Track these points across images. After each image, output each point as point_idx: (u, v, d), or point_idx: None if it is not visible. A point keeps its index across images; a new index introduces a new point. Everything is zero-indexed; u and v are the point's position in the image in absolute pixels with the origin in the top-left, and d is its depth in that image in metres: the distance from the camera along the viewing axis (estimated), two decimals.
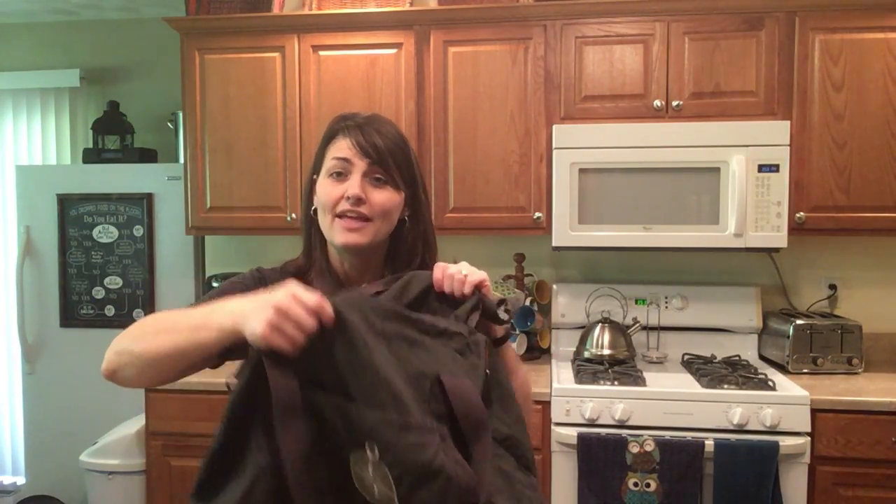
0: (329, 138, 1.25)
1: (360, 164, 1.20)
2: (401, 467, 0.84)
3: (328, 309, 0.88)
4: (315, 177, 1.26)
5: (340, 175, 1.21)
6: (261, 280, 1.25)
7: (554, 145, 2.56)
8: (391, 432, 0.85)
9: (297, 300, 0.88)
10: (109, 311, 3.13)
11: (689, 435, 2.22)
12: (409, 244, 1.27)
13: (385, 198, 1.21)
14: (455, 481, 0.85)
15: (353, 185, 1.19)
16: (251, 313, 0.89)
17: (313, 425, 0.87)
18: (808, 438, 2.22)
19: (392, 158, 1.21)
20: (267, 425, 0.87)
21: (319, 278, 1.25)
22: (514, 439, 1.05)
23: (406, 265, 1.26)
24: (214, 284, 2.89)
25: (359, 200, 1.18)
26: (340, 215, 1.20)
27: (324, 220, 1.23)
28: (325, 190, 1.22)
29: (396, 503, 0.84)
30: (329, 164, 1.22)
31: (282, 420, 0.85)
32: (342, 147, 1.21)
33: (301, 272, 1.27)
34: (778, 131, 2.47)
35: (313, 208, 1.26)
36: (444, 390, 0.92)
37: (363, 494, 0.85)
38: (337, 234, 1.21)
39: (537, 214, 2.65)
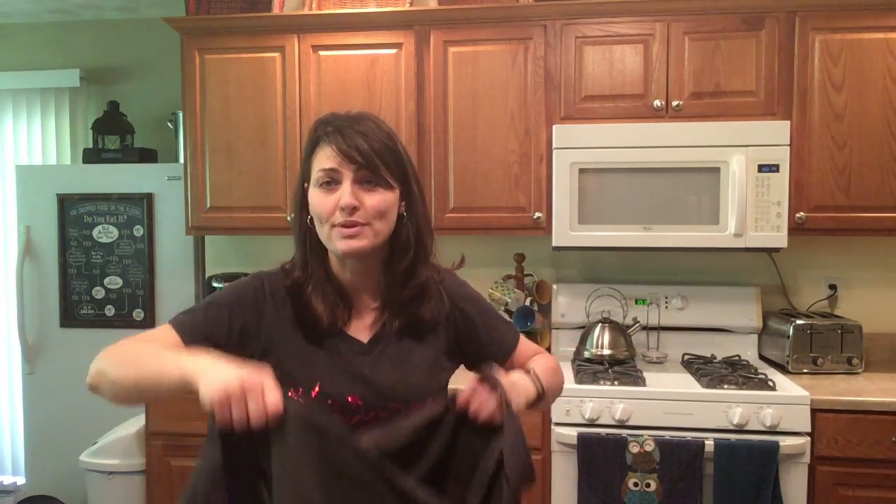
0: (312, 147, 1.22)
1: (347, 172, 1.17)
2: None
3: (279, 413, 0.92)
4: (306, 185, 1.23)
5: (330, 184, 1.18)
6: (260, 289, 1.23)
7: (554, 145, 2.56)
8: None
9: (261, 391, 0.92)
10: (109, 311, 3.13)
11: (689, 435, 2.22)
12: (401, 241, 1.24)
13: (378, 200, 1.18)
14: None
15: (345, 194, 1.16)
16: (216, 373, 0.94)
17: None
18: (808, 438, 2.22)
19: (379, 159, 1.18)
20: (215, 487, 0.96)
21: (317, 290, 1.22)
22: None
23: (399, 261, 1.24)
24: (215, 284, 2.90)
25: (353, 209, 1.16)
26: (337, 225, 1.18)
27: (321, 230, 1.20)
28: (318, 200, 1.19)
29: None
30: (316, 175, 1.19)
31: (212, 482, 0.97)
32: (327, 156, 1.18)
33: (297, 284, 1.24)
34: (778, 131, 2.47)
35: (309, 217, 1.23)
36: None
37: None
38: (336, 242, 1.18)
39: (537, 214, 2.65)
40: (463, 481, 1.07)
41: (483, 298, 1.40)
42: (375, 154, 1.17)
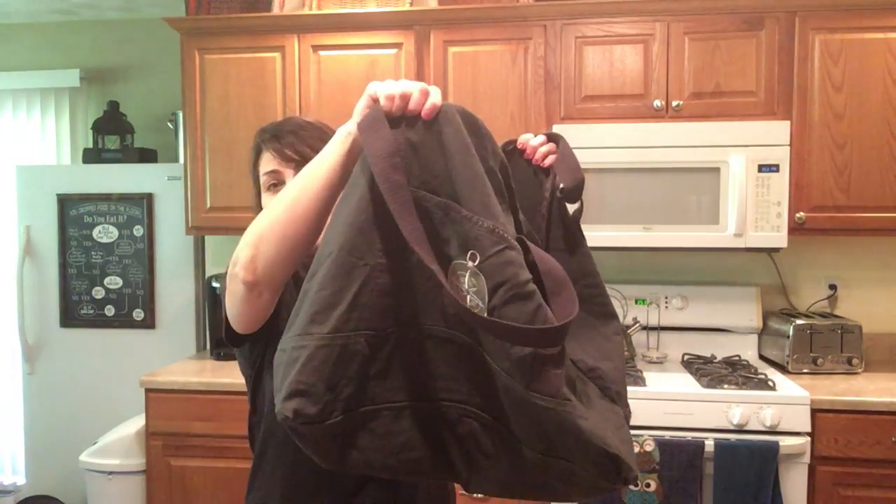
0: (256, 155, 1.31)
1: (288, 171, 1.24)
2: (498, 279, 0.83)
3: (438, 106, 0.90)
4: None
5: (276, 185, 1.25)
6: None
7: None
8: (494, 244, 0.84)
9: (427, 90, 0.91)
10: (109, 311, 3.13)
11: (689, 435, 2.22)
12: None
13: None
14: (545, 311, 0.83)
15: None
16: (381, 84, 0.92)
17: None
18: (808, 438, 2.22)
19: (314, 154, 1.20)
20: (382, 228, 0.87)
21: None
22: (599, 371, 1.02)
23: None
24: (215, 284, 2.90)
25: None
26: None
27: None
28: (268, 203, 1.24)
29: (485, 313, 0.83)
30: (262, 179, 1.28)
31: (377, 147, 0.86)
32: (267, 160, 1.27)
33: None
34: (778, 131, 2.47)
35: None
36: (527, 248, 0.90)
37: (455, 303, 0.83)
38: None
39: None
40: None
41: None
42: (311, 150, 1.21)
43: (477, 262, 0.84)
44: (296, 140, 1.24)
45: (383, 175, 0.85)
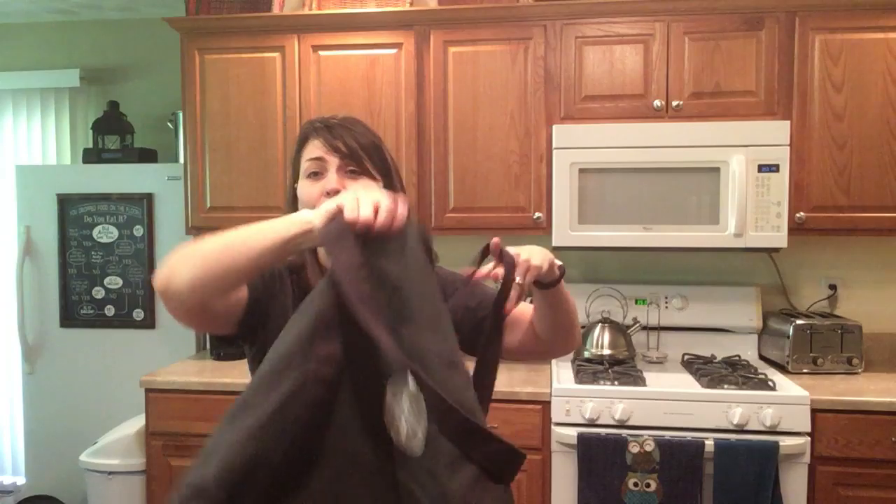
0: (302, 143, 1.29)
1: (333, 161, 1.23)
2: (441, 407, 0.81)
3: (404, 220, 0.93)
4: (296, 185, 1.30)
5: (317, 174, 1.24)
6: (276, 272, 1.25)
7: (554, 145, 2.56)
8: (441, 366, 0.83)
9: (396, 202, 0.94)
10: (109, 311, 3.13)
11: (689, 435, 2.22)
12: None
13: (362, 185, 1.21)
14: (499, 444, 0.82)
15: (331, 181, 1.22)
16: (350, 194, 0.95)
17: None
18: (808, 438, 2.22)
19: (363, 151, 1.24)
20: (318, 335, 0.86)
21: (313, 275, 1.25)
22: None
23: None
24: None
25: (337, 193, 1.18)
26: None
27: None
28: (305, 190, 1.25)
29: (420, 443, 0.81)
30: (304, 165, 1.27)
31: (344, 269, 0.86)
32: (314, 148, 1.26)
33: (295, 269, 1.27)
34: (778, 131, 2.47)
35: None
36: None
37: (389, 433, 0.81)
38: None
39: (537, 214, 2.65)
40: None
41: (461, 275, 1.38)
42: (360, 147, 1.24)
43: (417, 383, 0.82)
44: (345, 133, 1.25)
45: (352, 286, 0.85)
